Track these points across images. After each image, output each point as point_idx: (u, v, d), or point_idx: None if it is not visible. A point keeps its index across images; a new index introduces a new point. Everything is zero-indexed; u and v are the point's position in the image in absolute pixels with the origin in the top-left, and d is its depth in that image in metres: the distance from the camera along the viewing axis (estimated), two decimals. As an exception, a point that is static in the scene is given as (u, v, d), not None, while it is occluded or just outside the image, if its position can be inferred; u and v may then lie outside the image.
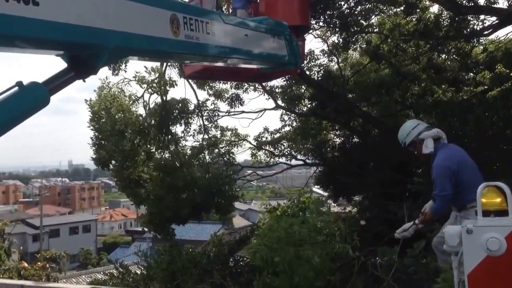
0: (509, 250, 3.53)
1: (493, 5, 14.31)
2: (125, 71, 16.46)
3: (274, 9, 7.52)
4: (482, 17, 14.93)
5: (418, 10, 15.33)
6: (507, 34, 14.97)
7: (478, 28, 15.06)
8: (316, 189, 30.50)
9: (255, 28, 6.36)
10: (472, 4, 14.19)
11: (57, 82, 3.94)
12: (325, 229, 5.65)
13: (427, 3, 15.77)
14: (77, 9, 3.69)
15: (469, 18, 14.91)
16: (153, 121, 18.23)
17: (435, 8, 16.00)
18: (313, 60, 17.67)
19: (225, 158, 19.00)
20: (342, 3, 14.60)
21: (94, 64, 4.04)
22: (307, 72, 17.69)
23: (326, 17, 14.71)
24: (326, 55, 17.74)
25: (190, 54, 5.18)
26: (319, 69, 17.55)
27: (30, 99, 3.65)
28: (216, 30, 5.27)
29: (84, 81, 4.09)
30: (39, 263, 13.43)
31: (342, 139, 20.13)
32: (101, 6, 3.90)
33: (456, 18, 14.69)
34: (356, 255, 6.03)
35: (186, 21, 4.77)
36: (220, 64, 6.70)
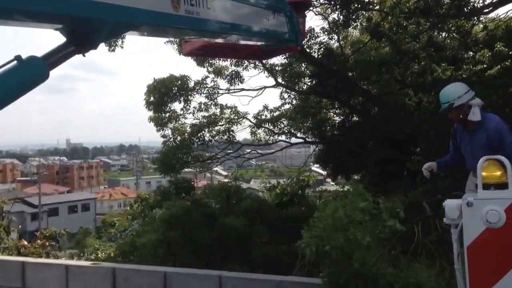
0: (508, 223, 3.62)
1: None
2: (122, 48, 16.38)
3: None
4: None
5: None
6: (507, 12, 14.94)
7: (478, 6, 15.01)
8: (316, 168, 30.72)
9: (256, 3, 6.32)
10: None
11: (57, 57, 3.91)
12: (368, 208, 5.73)
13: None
14: None
15: (469, -5, 14.84)
16: (152, 98, 18.29)
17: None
18: (313, 38, 17.58)
19: (225, 136, 19.11)
20: (343, -20, 14.50)
21: (94, 39, 3.99)
22: (307, 50, 17.65)
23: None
24: (326, 32, 17.65)
25: (190, 29, 5.15)
26: (319, 47, 17.47)
27: (29, 73, 3.62)
28: (217, 5, 5.22)
29: (84, 55, 4.04)
30: (38, 241, 13.56)
31: (342, 117, 20.18)
32: None
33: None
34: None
35: None
36: (220, 41, 6.67)
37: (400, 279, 5.40)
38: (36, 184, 63.12)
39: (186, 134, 18.86)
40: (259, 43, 7.34)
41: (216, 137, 19.28)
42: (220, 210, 13.72)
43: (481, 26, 16.14)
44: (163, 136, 19.17)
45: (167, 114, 18.83)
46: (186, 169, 21.19)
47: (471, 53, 16.42)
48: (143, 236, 12.06)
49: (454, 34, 15.97)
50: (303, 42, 11.40)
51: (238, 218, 12.44)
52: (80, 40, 3.95)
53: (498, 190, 3.76)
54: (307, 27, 17.77)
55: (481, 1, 14.82)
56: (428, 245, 6.60)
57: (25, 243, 13.02)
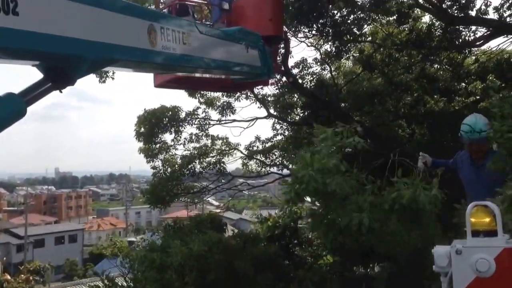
0: (498, 272, 3.48)
1: (484, 16, 14.42)
2: (113, 79, 16.24)
3: (247, 19, 7.48)
4: (473, 28, 15.02)
5: (410, 20, 15.39)
6: (498, 45, 15.05)
7: (469, 39, 15.13)
8: (308, 199, 30.43)
9: (231, 39, 6.38)
10: (463, 15, 14.27)
11: (34, 93, 3.87)
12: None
13: (419, 13, 15.84)
14: (57, 20, 3.59)
15: (460, 28, 14.98)
16: (142, 129, 18.09)
17: (427, 18, 16.09)
18: (306, 69, 17.61)
19: (216, 168, 18.88)
20: (335, 12, 14.59)
21: (72, 75, 3.98)
22: (300, 81, 17.62)
23: (319, 25, 14.70)
24: (319, 63, 17.69)
25: (166, 64, 5.16)
26: (312, 78, 17.48)
27: (7, 110, 3.55)
28: (193, 41, 5.28)
29: (61, 91, 4.01)
30: (22, 275, 13.09)
31: (334, 148, 20.01)
32: (81, 16, 3.83)
33: (448, 29, 14.76)
34: None
35: (163, 32, 4.76)
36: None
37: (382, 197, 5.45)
38: (23, 214, 62.01)
39: (176, 166, 18.60)
40: (232, 76, 7.31)
41: (207, 169, 19.04)
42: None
43: (473, 58, 16.24)
44: (153, 167, 18.89)
45: (158, 145, 18.59)
46: (176, 201, 20.89)
47: (463, 84, 16.47)
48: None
49: (446, 66, 16.03)
50: (276, 75, 11.37)
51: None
52: (57, 76, 3.91)
53: (488, 238, 3.64)
54: (299, 58, 17.91)
55: (472, 35, 14.99)
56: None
57: (9, 277, 12.55)
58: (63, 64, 3.87)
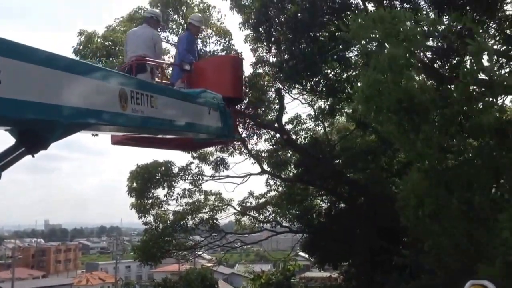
0: None
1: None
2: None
3: (207, 80, 7.58)
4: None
5: (402, 80, 15.58)
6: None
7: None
8: (302, 254, 29.89)
9: (195, 101, 6.48)
10: (454, 75, 14.46)
11: (7, 159, 3.81)
12: None
13: (412, 72, 16.06)
14: (32, 86, 3.56)
15: (452, 88, 15.14)
16: (135, 184, 17.90)
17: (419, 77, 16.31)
18: (300, 125, 17.68)
19: (208, 225, 18.60)
20: (329, 70, 14.78)
21: (46, 140, 3.95)
22: (294, 136, 17.67)
23: (313, 83, 14.84)
24: (312, 119, 17.79)
25: (135, 127, 5.22)
26: (306, 134, 17.52)
27: None
28: (160, 104, 5.37)
29: (33, 156, 3.95)
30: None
31: (329, 204, 19.86)
32: (57, 82, 3.83)
33: (440, 88, 14.94)
34: None
35: (133, 95, 4.86)
36: None
37: None
38: (10, 268, 60.37)
39: (168, 222, 18.31)
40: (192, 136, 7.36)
41: (200, 225, 18.74)
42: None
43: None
44: (145, 223, 18.57)
45: (150, 201, 18.34)
46: (167, 257, 20.44)
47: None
48: None
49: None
50: (236, 136, 11.44)
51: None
52: (31, 141, 3.86)
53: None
54: (293, 114, 18.04)
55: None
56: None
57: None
58: (37, 129, 3.85)
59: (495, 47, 13.56)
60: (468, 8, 12.10)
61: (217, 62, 8.97)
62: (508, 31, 13.29)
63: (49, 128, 3.89)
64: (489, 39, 13.55)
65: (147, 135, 6.66)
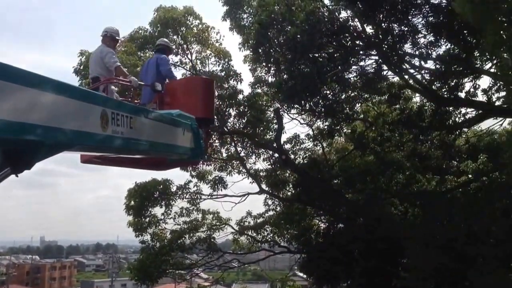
0: None
1: (472, 98, 14.72)
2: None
3: (178, 101, 7.65)
4: (463, 110, 15.32)
5: (401, 100, 15.68)
6: (489, 127, 15.29)
7: (459, 120, 15.38)
8: (300, 274, 29.63)
9: (171, 122, 6.57)
10: (452, 96, 14.57)
11: None
12: None
13: (410, 93, 16.18)
14: (17, 106, 3.60)
15: (450, 110, 15.26)
16: (132, 202, 17.81)
17: (418, 99, 16.42)
18: (298, 144, 17.70)
19: (205, 244, 18.47)
20: (327, 91, 14.84)
21: (30, 160, 3.98)
22: (292, 156, 17.66)
23: (312, 104, 14.88)
24: (311, 139, 17.81)
25: (114, 147, 5.27)
26: (304, 154, 17.53)
27: None
28: (138, 125, 5.48)
29: (17, 176, 3.97)
30: None
31: (327, 224, 19.76)
32: (39, 103, 3.88)
33: (438, 110, 15.04)
34: None
35: (114, 117, 4.92)
36: None
37: None
38: (4, 285, 59.72)
39: (166, 240, 18.17)
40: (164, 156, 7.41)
41: (197, 244, 18.60)
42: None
43: (464, 138, 16.45)
44: (142, 241, 18.43)
45: (147, 219, 18.23)
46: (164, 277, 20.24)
47: (455, 162, 16.56)
48: None
49: (437, 144, 16.16)
50: (207, 156, 11.53)
51: None
52: (15, 160, 3.88)
53: None
54: (292, 134, 18.05)
55: (462, 116, 15.24)
56: None
57: None
58: (21, 149, 3.88)
59: (492, 70, 13.74)
60: (465, 32, 12.23)
61: (189, 83, 9.08)
62: (505, 54, 13.42)
63: (33, 148, 3.93)
64: (487, 62, 13.72)
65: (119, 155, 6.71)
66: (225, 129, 16.65)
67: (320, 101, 14.83)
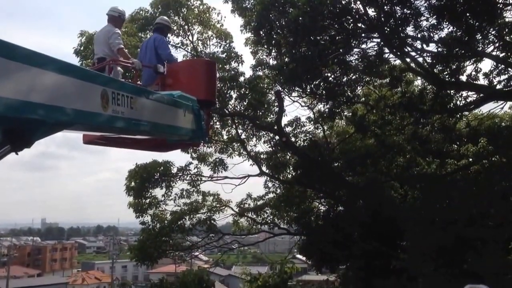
0: None
1: (474, 82, 14.70)
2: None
3: (180, 83, 7.66)
4: (464, 93, 15.29)
5: (403, 83, 15.64)
6: (489, 111, 15.26)
7: (461, 103, 15.36)
8: (299, 257, 29.93)
9: (172, 103, 6.57)
10: (454, 79, 14.54)
11: None
12: None
13: (412, 76, 16.14)
14: (18, 84, 3.62)
15: (451, 93, 15.23)
16: (133, 183, 17.88)
17: (419, 82, 16.38)
18: (299, 127, 17.70)
19: (205, 226, 18.58)
20: (329, 73, 14.82)
21: (30, 138, 4.03)
22: (293, 139, 17.68)
23: (313, 86, 14.87)
24: (312, 122, 17.80)
25: (114, 127, 5.29)
26: (305, 137, 17.53)
27: None
28: (139, 105, 5.46)
29: (17, 153, 4.03)
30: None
31: (327, 207, 19.87)
32: (40, 81, 3.90)
33: (440, 93, 15.01)
34: None
35: (114, 96, 4.93)
36: None
37: None
38: (6, 266, 60.16)
39: (166, 221, 18.28)
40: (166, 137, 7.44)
41: (197, 225, 18.71)
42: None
43: (465, 122, 16.44)
44: (142, 222, 18.55)
45: (148, 200, 18.32)
46: (164, 257, 20.43)
47: (455, 146, 16.58)
48: None
49: (438, 128, 16.16)
50: (208, 138, 11.56)
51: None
52: (15, 138, 3.93)
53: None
54: (293, 117, 18.06)
55: (463, 100, 15.22)
56: None
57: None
58: (22, 127, 3.91)
59: (494, 53, 13.69)
60: (468, 14, 12.16)
61: (191, 65, 9.06)
62: (507, 37, 13.37)
63: (33, 126, 3.96)
64: (489, 45, 13.66)
65: (121, 135, 6.74)
66: (226, 111, 16.66)
67: (321, 84, 14.82)
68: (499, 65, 13.98)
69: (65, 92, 4.19)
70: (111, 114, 4.84)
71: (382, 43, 13.49)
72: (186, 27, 15.84)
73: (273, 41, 14.29)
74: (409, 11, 12.62)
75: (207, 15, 15.72)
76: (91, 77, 4.75)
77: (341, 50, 13.71)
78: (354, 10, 13.35)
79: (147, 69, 7.76)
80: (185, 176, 18.77)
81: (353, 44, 13.86)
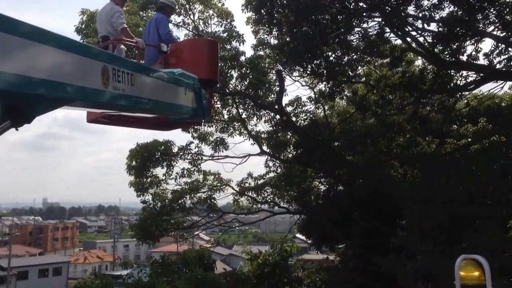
0: None
1: (474, 61, 14.70)
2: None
3: (183, 62, 7.70)
4: (464, 73, 15.30)
5: (403, 63, 15.65)
6: (489, 90, 15.28)
7: (461, 83, 15.39)
8: (300, 235, 30.23)
9: (173, 81, 6.58)
10: (454, 59, 14.54)
11: None
12: None
13: (412, 56, 16.13)
14: (17, 59, 3.62)
15: (452, 73, 15.25)
16: (134, 163, 18.01)
17: (419, 62, 16.37)
18: (300, 107, 17.74)
19: (206, 204, 18.76)
20: (330, 53, 14.81)
21: (30, 113, 4.02)
22: (294, 118, 17.74)
23: (314, 66, 14.87)
24: (313, 102, 17.84)
25: (115, 104, 5.29)
26: (305, 116, 17.59)
27: None
28: (139, 83, 5.45)
29: (17, 129, 4.02)
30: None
31: (327, 186, 20.01)
32: (40, 56, 3.89)
33: (440, 73, 15.03)
34: None
35: (114, 73, 4.92)
36: None
37: None
38: (7, 245, 60.68)
39: (167, 200, 18.45)
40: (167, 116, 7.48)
41: (198, 204, 18.89)
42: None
43: (464, 102, 16.49)
44: (143, 201, 18.72)
45: (149, 179, 18.46)
46: (165, 236, 20.65)
47: (455, 126, 16.65)
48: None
49: (438, 108, 16.22)
50: (210, 117, 11.67)
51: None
52: (15, 114, 3.92)
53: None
54: (293, 96, 18.10)
55: (463, 79, 15.24)
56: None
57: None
58: (22, 103, 3.90)
59: (494, 33, 13.67)
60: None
61: (194, 44, 9.08)
62: (508, 17, 13.34)
63: (33, 102, 3.96)
64: (489, 25, 13.63)
65: (124, 114, 6.77)
66: (227, 90, 16.69)
67: (322, 63, 14.83)
68: (500, 45, 13.97)
69: (66, 68, 4.19)
70: (111, 91, 4.85)
71: (383, 22, 13.45)
72: (187, 6, 15.78)
73: (274, 20, 14.24)
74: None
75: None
76: (92, 52, 4.75)
77: (342, 30, 13.67)
78: (355, -11, 13.29)
79: (150, 48, 7.78)
80: (186, 156, 18.90)
81: (354, 24, 13.81)
